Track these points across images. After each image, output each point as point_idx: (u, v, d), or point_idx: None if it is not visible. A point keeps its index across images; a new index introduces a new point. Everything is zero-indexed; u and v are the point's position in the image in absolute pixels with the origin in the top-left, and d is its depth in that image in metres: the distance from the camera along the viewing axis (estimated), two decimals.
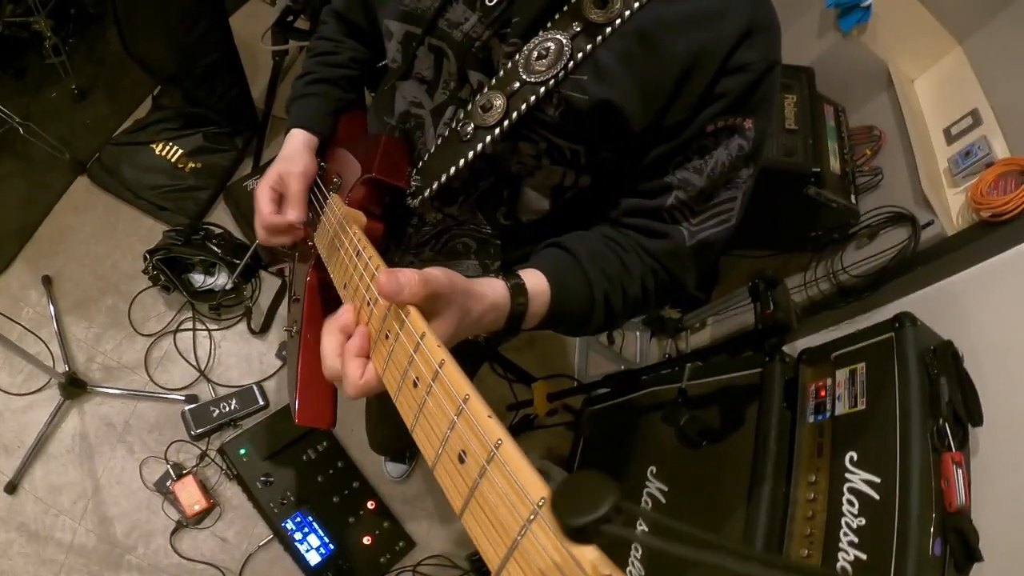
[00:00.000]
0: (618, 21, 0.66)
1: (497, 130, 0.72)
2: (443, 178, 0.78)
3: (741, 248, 2.16)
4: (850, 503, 1.14)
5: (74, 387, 1.89)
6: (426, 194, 0.80)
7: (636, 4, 0.66)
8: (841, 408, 1.27)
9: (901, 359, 1.19)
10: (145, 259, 2.02)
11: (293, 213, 0.84)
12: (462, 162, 0.76)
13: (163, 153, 2.25)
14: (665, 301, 0.87)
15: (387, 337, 0.52)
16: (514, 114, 0.70)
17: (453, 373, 0.43)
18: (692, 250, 0.76)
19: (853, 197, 1.74)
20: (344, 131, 0.98)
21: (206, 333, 2.13)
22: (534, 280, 0.68)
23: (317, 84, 0.97)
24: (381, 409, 1.62)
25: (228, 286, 2.10)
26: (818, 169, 1.66)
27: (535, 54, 0.69)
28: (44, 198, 2.21)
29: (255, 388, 2.06)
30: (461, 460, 0.40)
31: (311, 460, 1.97)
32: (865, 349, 1.29)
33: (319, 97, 0.96)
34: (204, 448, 1.93)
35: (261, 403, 2.04)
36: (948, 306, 1.40)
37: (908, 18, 1.71)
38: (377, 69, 1.01)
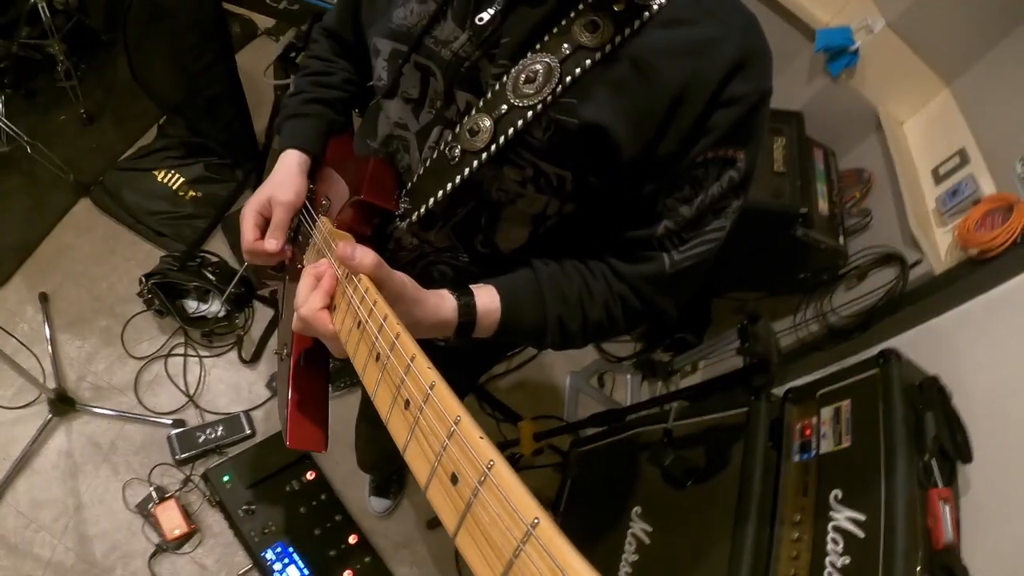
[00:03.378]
0: (608, 47, 0.65)
1: (484, 154, 0.71)
2: (431, 202, 0.77)
3: (732, 291, 2.15)
4: (835, 541, 1.11)
5: (63, 404, 1.89)
6: (414, 217, 0.79)
7: (627, 30, 0.65)
8: (826, 446, 1.25)
9: (886, 395, 1.18)
10: (141, 282, 2.04)
11: (272, 242, 0.84)
12: (450, 186, 0.74)
13: (165, 180, 2.29)
14: (638, 326, 0.86)
15: (377, 359, 0.53)
16: (501, 138, 0.69)
17: (444, 394, 0.43)
18: (672, 276, 0.76)
19: (842, 239, 1.74)
20: (333, 152, 0.97)
21: (197, 359, 2.13)
22: (486, 298, 0.73)
23: (311, 104, 0.96)
24: (371, 425, 1.60)
25: (221, 313, 2.11)
26: (806, 210, 1.66)
27: (523, 77, 0.68)
28: (46, 217, 2.24)
29: (242, 416, 2.04)
30: (454, 482, 0.40)
31: (295, 491, 1.94)
32: (850, 386, 1.28)
33: (314, 117, 0.95)
34: (188, 473, 1.91)
35: (248, 431, 2.02)
36: (937, 345, 1.39)
37: (896, 62, 1.73)
38: (367, 90, 1.00)
